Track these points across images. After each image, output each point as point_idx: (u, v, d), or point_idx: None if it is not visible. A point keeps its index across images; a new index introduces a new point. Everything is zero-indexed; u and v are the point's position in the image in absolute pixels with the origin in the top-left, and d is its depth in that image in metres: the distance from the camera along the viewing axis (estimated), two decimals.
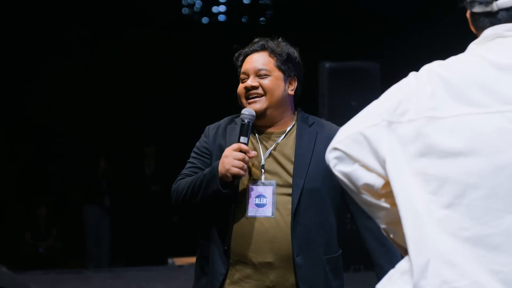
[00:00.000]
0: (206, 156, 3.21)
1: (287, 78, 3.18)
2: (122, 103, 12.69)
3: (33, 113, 12.61)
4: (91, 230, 10.66)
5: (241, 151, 3.02)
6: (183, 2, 13.60)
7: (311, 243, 3.05)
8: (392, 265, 2.74)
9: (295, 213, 3.02)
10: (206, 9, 13.73)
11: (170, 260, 9.30)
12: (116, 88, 12.71)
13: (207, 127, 3.28)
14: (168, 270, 9.17)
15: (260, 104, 3.12)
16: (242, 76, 3.21)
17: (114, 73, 12.72)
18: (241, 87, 3.19)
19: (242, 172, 2.99)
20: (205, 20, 13.73)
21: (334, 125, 3.18)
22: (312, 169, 3.05)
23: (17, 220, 11.36)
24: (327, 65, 7.81)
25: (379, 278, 2.91)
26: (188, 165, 3.25)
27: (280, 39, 3.25)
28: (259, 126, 3.18)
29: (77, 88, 12.62)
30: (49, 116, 12.49)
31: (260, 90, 3.13)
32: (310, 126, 3.16)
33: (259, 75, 3.14)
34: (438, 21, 10.97)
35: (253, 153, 3.05)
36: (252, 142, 3.17)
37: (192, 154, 3.26)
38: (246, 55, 3.23)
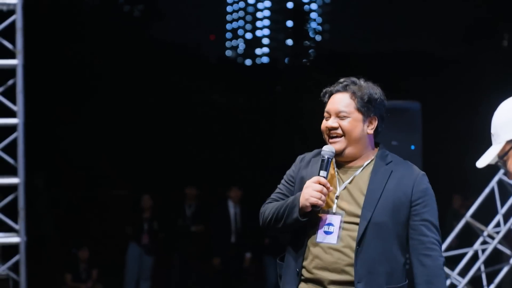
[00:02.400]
0: (291, 184, 3.55)
1: (366, 118, 3.42)
2: (165, 143, 12.78)
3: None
4: (131, 268, 10.69)
5: (320, 184, 3.30)
6: (226, 44, 13.76)
7: (374, 272, 3.26)
8: None
9: (359, 243, 3.27)
10: (249, 52, 13.89)
11: None
12: (155, 129, 12.81)
13: (298, 157, 3.60)
14: None
15: (339, 144, 3.39)
16: (325, 114, 3.47)
17: (156, 117, 12.82)
18: (323, 125, 3.46)
19: (320, 202, 3.29)
20: (248, 62, 13.84)
21: (411, 166, 3.43)
22: (381, 203, 3.29)
23: (58, 261, 11.38)
24: None
25: None
26: (276, 190, 3.61)
27: (362, 80, 3.46)
28: (339, 161, 3.45)
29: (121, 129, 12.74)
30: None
31: (339, 131, 3.39)
32: (387, 164, 3.40)
33: (339, 116, 3.40)
34: (479, 61, 10.91)
35: (331, 187, 3.34)
36: (331, 174, 3.43)
37: (282, 181, 3.61)
38: (331, 94, 3.47)
